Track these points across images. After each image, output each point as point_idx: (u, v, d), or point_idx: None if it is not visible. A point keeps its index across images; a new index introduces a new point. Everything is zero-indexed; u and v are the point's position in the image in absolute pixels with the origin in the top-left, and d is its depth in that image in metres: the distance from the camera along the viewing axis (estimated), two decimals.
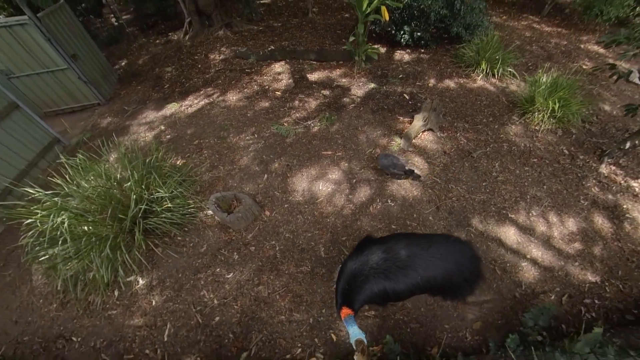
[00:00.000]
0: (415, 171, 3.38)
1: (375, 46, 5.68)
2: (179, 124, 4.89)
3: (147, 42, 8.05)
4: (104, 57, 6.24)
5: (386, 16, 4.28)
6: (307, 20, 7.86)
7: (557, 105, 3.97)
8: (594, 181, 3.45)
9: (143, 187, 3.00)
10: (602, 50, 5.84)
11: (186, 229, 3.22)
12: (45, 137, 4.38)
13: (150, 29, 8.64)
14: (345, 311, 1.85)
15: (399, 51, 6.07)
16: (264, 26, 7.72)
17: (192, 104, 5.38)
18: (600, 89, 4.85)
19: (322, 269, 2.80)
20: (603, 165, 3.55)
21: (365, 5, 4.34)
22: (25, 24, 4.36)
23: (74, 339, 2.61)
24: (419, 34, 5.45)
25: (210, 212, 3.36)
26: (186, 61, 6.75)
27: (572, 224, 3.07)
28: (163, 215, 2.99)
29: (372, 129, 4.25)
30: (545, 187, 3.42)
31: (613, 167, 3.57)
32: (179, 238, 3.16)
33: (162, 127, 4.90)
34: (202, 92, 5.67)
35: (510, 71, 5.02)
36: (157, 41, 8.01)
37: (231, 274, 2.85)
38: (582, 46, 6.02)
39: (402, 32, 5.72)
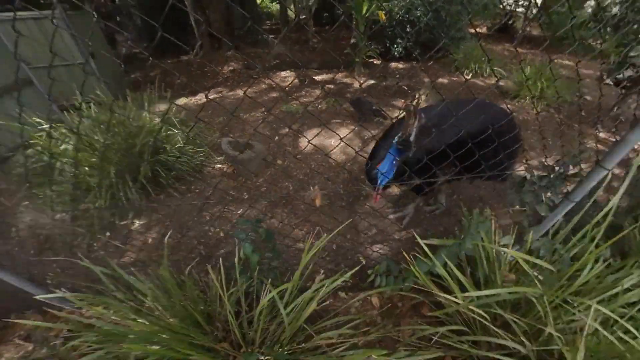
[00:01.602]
0: (382, 111, 3.79)
1: (372, 54, 6.28)
2: (188, 110, 5.01)
3: (160, 62, 8.69)
4: (118, 63, 6.64)
5: (382, 17, 4.87)
6: (309, 46, 8.77)
7: (545, 84, 4.34)
8: (592, 142, 3.58)
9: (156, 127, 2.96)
10: (571, 63, 6.63)
11: (192, 178, 3.07)
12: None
13: (163, 54, 9.39)
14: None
15: (393, 62, 6.71)
16: (269, 50, 8.54)
17: (202, 98, 5.61)
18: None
19: (342, 202, 2.64)
20: (599, 127, 3.75)
21: (364, 10, 4.95)
22: (54, 17, 4.72)
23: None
24: (410, 43, 6.12)
25: (219, 165, 3.27)
26: (196, 72, 7.24)
27: None
28: (172, 156, 2.88)
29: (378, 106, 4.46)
30: (550, 142, 3.52)
31: (608, 133, 3.77)
32: (183, 187, 2.99)
33: (171, 113, 5.01)
34: (211, 90, 5.96)
35: (497, 70, 5.55)
36: (169, 61, 8.66)
37: (240, 210, 2.64)
38: (555, 61, 6.83)
39: (395, 46, 6.41)
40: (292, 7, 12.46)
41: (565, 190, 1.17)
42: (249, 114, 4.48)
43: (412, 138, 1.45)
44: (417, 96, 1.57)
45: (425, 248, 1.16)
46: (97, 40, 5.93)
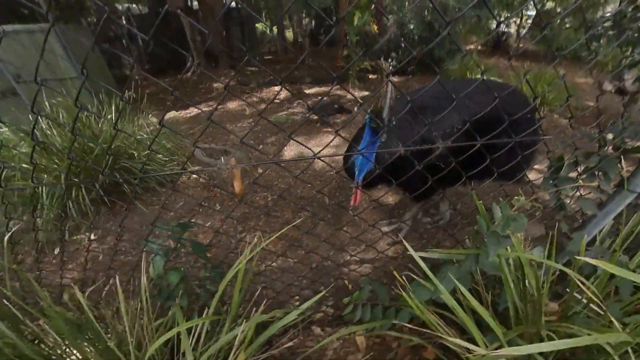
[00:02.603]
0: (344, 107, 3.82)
1: (366, 66, 6.19)
2: (175, 124, 4.80)
3: (157, 80, 8.73)
4: (112, 79, 6.59)
5: (375, 29, 4.78)
6: (305, 64, 8.82)
7: (546, 89, 4.11)
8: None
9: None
10: (563, 71, 6.49)
11: (164, 189, 2.73)
12: None
13: (161, 72, 9.48)
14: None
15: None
16: (264, 69, 8.59)
17: (192, 112, 5.43)
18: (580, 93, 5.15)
19: (327, 214, 2.26)
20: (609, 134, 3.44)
21: (355, 20, 4.88)
22: (46, 31, 4.70)
23: None
24: (405, 57, 6.04)
25: (194, 176, 2.94)
26: (190, 89, 7.17)
27: None
28: (139, 163, 2.56)
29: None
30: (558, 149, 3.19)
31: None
32: (153, 198, 2.64)
33: (158, 126, 4.80)
34: (202, 105, 5.82)
35: (494, 79, 5.37)
36: (166, 79, 8.69)
37: (209, 222, 2.26)
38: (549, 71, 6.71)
39: (390, 60, 6.34)
40: (290, 30, 12.88)
41: (619, 177, 0.81)
42: (235, 124, 4.23)
43: (385, 111, 1.10)
44: (388, 62, 1.20)
45: (423, 265, 0.76)
46: (93, 56, 5.90)
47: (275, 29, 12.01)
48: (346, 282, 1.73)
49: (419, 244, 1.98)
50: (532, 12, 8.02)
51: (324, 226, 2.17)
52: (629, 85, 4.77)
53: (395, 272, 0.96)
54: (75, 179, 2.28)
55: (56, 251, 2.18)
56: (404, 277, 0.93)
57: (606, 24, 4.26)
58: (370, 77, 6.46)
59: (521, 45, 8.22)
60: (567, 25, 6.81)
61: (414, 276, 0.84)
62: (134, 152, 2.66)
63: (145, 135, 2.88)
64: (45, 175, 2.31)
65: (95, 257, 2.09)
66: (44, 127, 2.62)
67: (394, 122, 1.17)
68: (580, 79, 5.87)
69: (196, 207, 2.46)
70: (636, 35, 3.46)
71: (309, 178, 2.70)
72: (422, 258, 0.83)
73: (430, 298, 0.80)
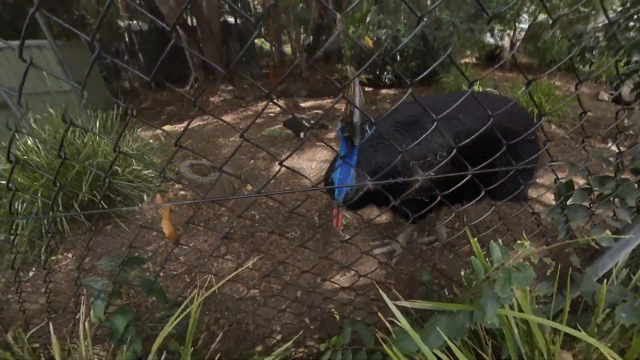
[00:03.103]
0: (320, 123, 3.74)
1: (362, 80, 6.20)
2: (167, 138, 4.74)
3: (154, 94, 8.78)
4: (109, 92, 6.61)
5: (369, 43, 4.80)
6: (302, 77, 8.88)
7: (543, 99, 4.07)
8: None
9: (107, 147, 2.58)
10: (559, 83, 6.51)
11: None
12: None
13: (159, 86, 9.55)
14: None
15: (384, 90, 6.61)
16: (262, 83, 8.64)
17: (184, 125, 5.40)
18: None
19: (317, 235, 2.14)
20: (610, 141, 3.37)
21: (350, 32, 4.91)
22: (43, 47, 4.72)
23: None
24: (400, 71, 6.06)
25: (182, 192, 2.84)
26: (187, 103, 7.18)
27: None
28: (124, 179, 2.46)
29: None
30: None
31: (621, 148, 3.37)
32: (137, 216, 2.53)
33: (151, 140, 4.74)
34: (197, 118, 5.78)
35: (490, 90, 5.35)
36: (164, 94, 8.74)
37: (192, 243, 2.14)
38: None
39: (385, 73, 6.36)
40: (288, 45, 13.10)
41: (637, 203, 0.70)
42: (228, 139, 4.16)
43: (355, 116, 0.98)
44: (348, 68, 1.08)
45: (403, 321, 0.63)
46: (89, 70, 5.94)
47: (274, 45, 12.22)
48: (333, 310, 1.59)
49: (414, 267, 1.85)
50: (525, 25, 8.14)
51: (312, 247, 2.04)
52: (626, 95, 4.73)
53: (379, 314, 0.84)
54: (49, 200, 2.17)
55: (31, 273, 2.05)
56: (387, 322, 0.80)
57: (598, 35, 4.25)
58: (366, 89, 6.46)
59: (515, 57, 8.28)
60: (559, 38, 6.87)
61: (398, 322, 0.72)
62: (118, 169, 2.57)
63: (131, 151, 2.80)
64: (21, 194, 2.21)
65: (71, 279, 1.95)
66: (29, 142, 2.54)
67: (367, 131, 1.06)
68: (582, 88, 5.85)
69: (180, 227, 2.34)
70: (629, 44, 3.41)
71: (298, 196, 2.59)
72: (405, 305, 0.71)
73: (416, 351, 0.67)
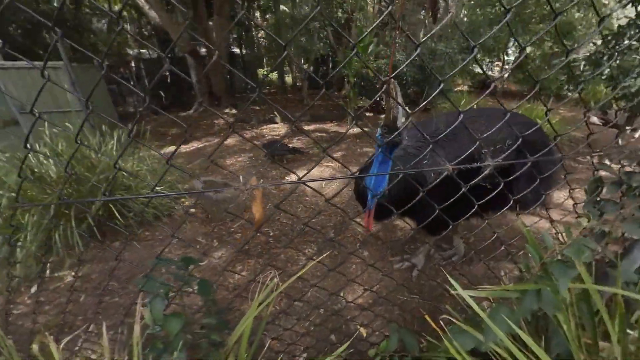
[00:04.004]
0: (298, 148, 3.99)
1: (363, 104, 6.48)
2: (174, 158, 4.79)
3: (160, 117, 8.98)
4: (116, 114, 6.77)
5: (371, 72, 5.10)
6: (304, 104, 9.24)
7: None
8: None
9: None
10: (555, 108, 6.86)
11: (160, 224, 2.59)
12: None
13: (165, 110, 9.80)
14: None
15: (383, 114, 6.90)
16: (265, 107, 8.95)
17: (191, 147, 5.48)
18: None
19: (334, 251, 2.12)
20: (607, 160, 3.52)
21: (353, 61, 5.23)
22: (58, 68, 4.92)
23: None
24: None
25: (193, 209, 2.83)
26: (192, 125, 7.34)
27: None
28: (137, 193, 2.46)
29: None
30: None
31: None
32: (146, 233, 2.49)
33: (156, 160, 4.78)
34: (202, 140, 5.89)
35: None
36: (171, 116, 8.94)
37: (206, 260, 2.09)
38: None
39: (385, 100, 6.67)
40: (290, 75, 13.78)
41: None
42: (235, 158, 4.23)
43: (399, 119, 1.03)
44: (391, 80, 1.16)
45: (475, 306, 0.64)
46: (98, 91, 6.13)
47: (275, 74, 12.84)
48: (359, 326, 1.54)
49: (434, 282, 1.83)
50: (511, 58, 8.79)
51: (331, 263, 2.02)
52: (614, 117, 5.02)
53: (426, 316, 0.83)
54: (66, 211, 2.15)
55: (33, 289, 1.96)
56: (440, 322, 0.80)
57: (582, 66, 4.59)
58: (367, 114, 6.73)
59: (505, 85, 8.82)
60: (546, 68, 7.39)
61: (453, 319, 0.71)
62: (132, 184, 2.57)
63: (145, 168, 2.82)
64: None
65: (77, 297, 1.87)
66: (40, 156, 2.56)
67: (406, 137, 1.11)
68: (567, 113, 6.21)
69: (193, 244, 2.30)
70: (616, 72, 3.67)
71: (311, 212, 2.60)
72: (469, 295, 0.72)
73: (478, 346, 0.66)
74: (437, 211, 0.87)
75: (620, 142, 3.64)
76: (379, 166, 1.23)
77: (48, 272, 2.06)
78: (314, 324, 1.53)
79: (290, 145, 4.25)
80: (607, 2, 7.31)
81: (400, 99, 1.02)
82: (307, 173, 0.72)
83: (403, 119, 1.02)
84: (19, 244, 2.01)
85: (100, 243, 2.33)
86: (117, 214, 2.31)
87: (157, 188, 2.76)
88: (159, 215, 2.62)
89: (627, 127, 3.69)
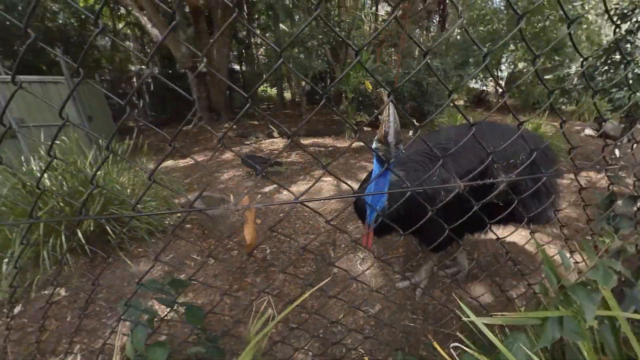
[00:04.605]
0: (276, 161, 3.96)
1: (362, 119, 6.54)
2: (171, 172, 4.76)
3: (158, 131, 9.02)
4: (115, 128, 6.81)
5: (369, 87, 5.19)
6: (302, 119, 9.34)
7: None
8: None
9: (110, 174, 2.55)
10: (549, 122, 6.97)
11: (153, 239, 2.51)
12: None
13: (164, 125, 9.86)
14: None
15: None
16: (264, 122, 9.03)
17: (189, 160, 5.46)
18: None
19: (334, 269, 2.04)
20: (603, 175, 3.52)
21: (351, 77, 5.33)
22: (59, 82, 4.98)
23: None
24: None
25: (188, 225, 2.76)
26: (191, 139, 7.36)
27: None
28: (128, 209, 2.39)
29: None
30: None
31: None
32: (139, 249, 2.41)
33: (148, 180, 4.74)
34: (201, 154, 5.88)
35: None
36: (171, 131, 8.97)
37: (201, 278, 2.01)
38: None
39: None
40: (288, 91, 14.04)
41: None
42: (233, 172, 4.19)
43: (390, 135, 0.99)
44: (382, 91, 1.15)
45: (491, 336, 0.58)
46: (98, 106, 6.18)
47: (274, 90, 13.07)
48: (361, 351, 1.44)
49: (439, 301, 1.75)
50: (505, 73, 9.04)
51: (332, 282, 1.94)
52: (609, 129, 5.06)
53: (435, 344, 0.77)
54: (56, 225, 2.08)
55: (17, 310, 1.85)
56: (450, 349, 0.73)
57: (574, 81, 4.69)
58: (365, 129, 6.79)
59: (499, 100, 9.00)
60: (538, 82, 7.58)
61: (465, 348, 0.66)
62: (126, 199, 2.51)
63: (141, 182, 2.77)
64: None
65: (63, 317, 1.77)
66: (34, 168, 2.51)
67: (402, 149, 1.09)
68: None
69: (187, 261, 2.22)
70: (610, 84, 3.71)
71: (310, 229, 2.54)
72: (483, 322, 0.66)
73: None
74: (447, 231, 0.83)
75: (617, 153, 3.66)
76: (376, 180, 1.20)
77: (34, 290, 1.96)
78: (314, 353, 1.43)
79: (268, 157, 4.23)
80: (593, 20, 7.59)
81: (392, 117, 1.00)
82: (306, 191, 0.68)
83: (393, 139, 1.00)
84: (5, 260, 1.93)
85: (90, 260, 2.25)
86: (108, 230, 2.24)
87: (152, 203, 2.70)
88: (153, 231, 2.55)
89: (623, 138, 3.72)
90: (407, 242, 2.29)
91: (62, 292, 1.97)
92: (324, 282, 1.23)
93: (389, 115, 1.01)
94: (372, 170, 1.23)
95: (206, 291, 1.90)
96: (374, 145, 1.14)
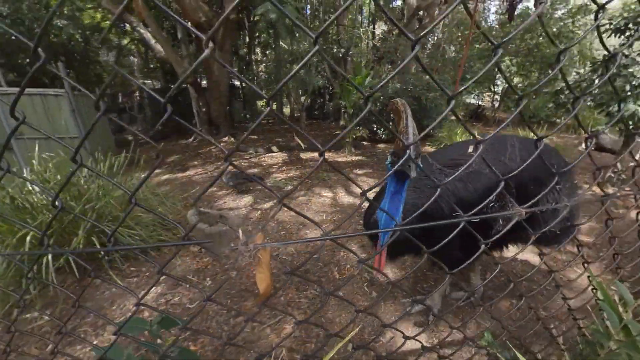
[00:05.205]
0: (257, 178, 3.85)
1: (363, 134, 6.56)
2: (168, 186, 4.66)
3: (157, 144, 8.97)
4: (113, 141, 6.77)
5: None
6: (301, 135, 9.38)
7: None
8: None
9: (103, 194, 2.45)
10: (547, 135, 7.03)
11: (147, 258, 2.37)
12: None
13: (164, 138, 9.83)
14: None
15: (381, 144, 6.97)
16: (263, 137, 9.05)
17: (186, 175, 5.38)
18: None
19: (339, 292, 1.92)
20: (609, 185, 3.49)
21: (351, 93, 5.38)
22: (60, 95, 4.97)
23: None
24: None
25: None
26: (190, 153, 7.31)
27: None
28: (125, 225, 2.28)
29: (374, 178, 4.21)
30: None
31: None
32: (132, 268, 2.27)
33: (148, 188, 4.63)
34: (199, 169, 5.81)
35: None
36: (170, 146, 8.95)
37: (197, 302, 1.87)
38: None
39: (382, 129, 6.79)
40: (288, 106, 14.20)
41: None
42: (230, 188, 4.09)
43: (410, 138, 0.89)
44: (398, 100, 1.05)
45: None
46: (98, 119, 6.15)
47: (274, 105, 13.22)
48: None
49: (456, 325, 1.63)
50: (500, 88, 9.23)
51: (335, 305, 1.81)
52: (607, 142, 5.07)
53: None
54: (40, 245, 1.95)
55: None
56: None
57: (569, 94, 4.73)
58: (364, 143, 6.78)
59: (495, 114, 9.13)
60: (534, 97, 7.72)
61: None
62: (120, 214, 2.40)
63: (139, 196, 2.66)
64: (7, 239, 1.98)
65: (44, 343, 1.61)
66: (26, 183, 2.41)
67: (420, 163, 1.01)
68: (558, 140, 6.33)
69: (182, 282, 2.08)
70: (605, 97, 3.69)
71: (312, 247, 2.43)
72: None
73: None
74: (483, 247, 0.74)
75: (619, 166, 3.63)
76: (391, 198, 1.12)
77: (16, 313, 1.80)
78: None
79: (249, 172, 4.21)
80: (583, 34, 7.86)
81: (412, 128, 0.93)
82: (334, 230, 0.60)
83: (414, 151, 0.91)
84: None
85: (78, 280, 2.10)
86: (99, 247, 2.12)
87: (146, 219, 2.59)
88: (146, 249, 2.42)
89: (624, 151, 3.72)
90: (412, 264, 2.18)
91: (45, 316, 1.82)
92: (352, 332, 1.11)
93: (407, 127, 0.94)
94: (386, 186, 1.15)
95: (203, 316, 1.76)
96: (388, 160, 1.07)
